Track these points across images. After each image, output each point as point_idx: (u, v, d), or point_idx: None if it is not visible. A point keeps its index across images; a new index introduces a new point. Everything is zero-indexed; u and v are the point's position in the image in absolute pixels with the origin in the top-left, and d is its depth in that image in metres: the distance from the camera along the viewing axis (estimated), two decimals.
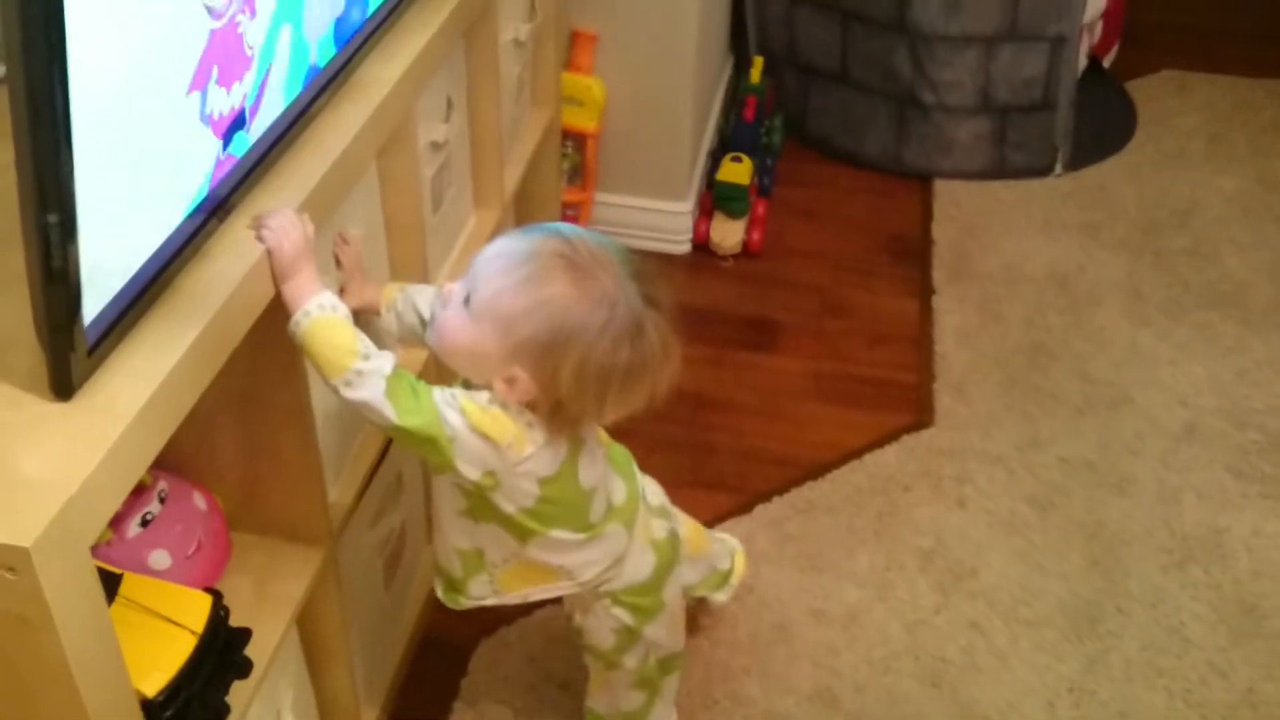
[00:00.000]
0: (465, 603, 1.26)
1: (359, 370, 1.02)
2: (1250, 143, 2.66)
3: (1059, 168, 2.58)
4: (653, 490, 1.36)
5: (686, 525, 1.46)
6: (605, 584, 1.26)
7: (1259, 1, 3.20)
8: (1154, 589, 1.72)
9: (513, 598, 1.26)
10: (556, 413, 1.10)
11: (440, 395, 1.07)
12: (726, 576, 1.61)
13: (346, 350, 1.02)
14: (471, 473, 1.10)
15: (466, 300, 1.08)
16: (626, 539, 1.26)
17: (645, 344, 1.09)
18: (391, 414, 1.04)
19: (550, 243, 1.08)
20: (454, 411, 1.07)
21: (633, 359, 1.08)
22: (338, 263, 1.22)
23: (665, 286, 1.12)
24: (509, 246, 1.09)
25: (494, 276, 1.07)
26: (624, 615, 1.29)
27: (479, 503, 1.16)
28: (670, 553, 1.32)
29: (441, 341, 1.11)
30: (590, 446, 1.19)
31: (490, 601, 1.26)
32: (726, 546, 1.63)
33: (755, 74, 2.54)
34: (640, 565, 1.28)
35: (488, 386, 1.10)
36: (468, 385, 1.13)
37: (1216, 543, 1.79)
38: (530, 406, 1.10)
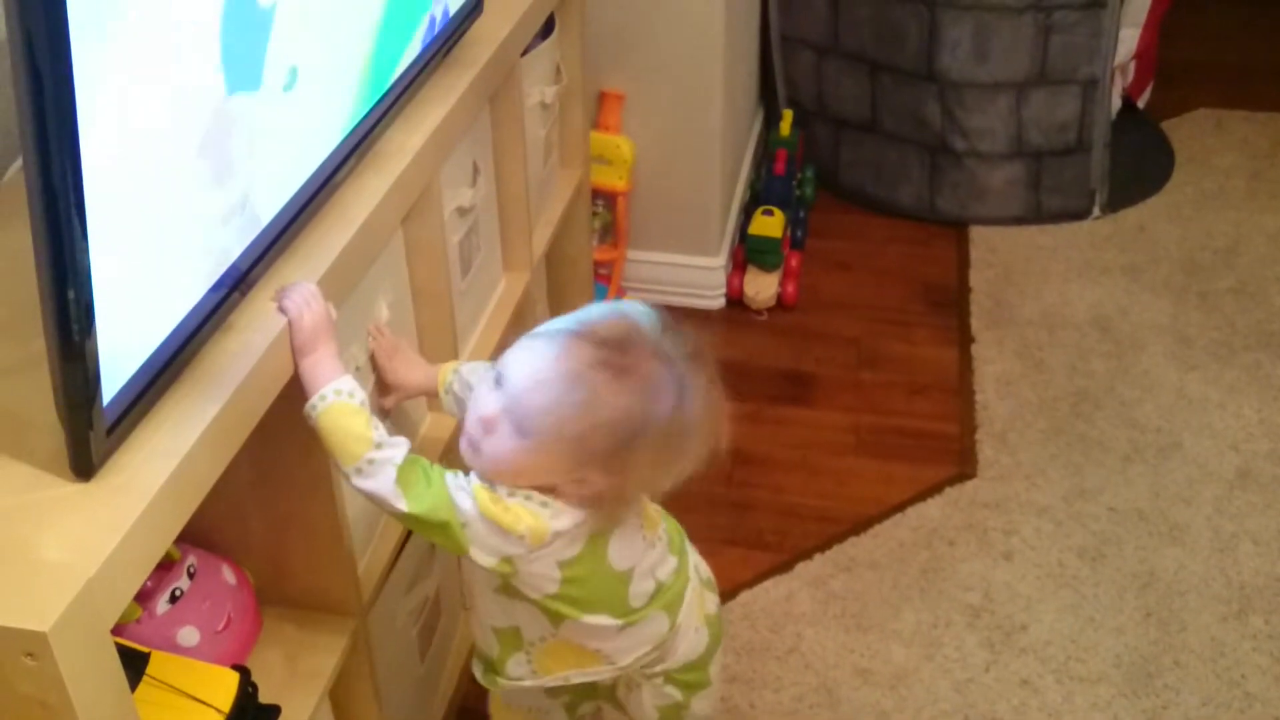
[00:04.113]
0: (503, 683, 1.23)
1: (371, 459, 1.01)
2: None
3: (1096, 210, 2.55)
4: (703, 563, 1.32)
5: None
6: (650, 666, 1.22)
7: None
8: (1212, 641, 1.66)
9: (551, 680, 1.21)
10: (615, 498, 1.08)
11: (453, 480, 1.05)
12: None
13: (359, 438, 1.01)
14: (487, 560, 1.06)
15: (518, 429, 1.04)
16: (668, 625, 1.20)
17: (698, 401, 1.07)
18: (401, 503, 1.02)
19: (584, 353, 1.04)
20: (466, 496, 1.04)
21: (690, 422, 1.06)
22: (373, 361, 1.22)
23: (696, 337, 1.10)
24: (546, 370, 1.04)
25: (548, 407, 1.03)
26: (675, 693, 1.26)
27: (509, 582, 1.13)
28: (719, 627, 1.29)
29: (496, 467, 1.06)
30: (626, 527, 1.14)
31: (529, 683, 1.22)
32: None
33: (785, 127, 2.54)
34: (695, 643, 1.24)
35: (539, 489, 1.07)
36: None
37: (1276, 591, 1.73)
38: (590, 500, 1.07)
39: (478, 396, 1.08)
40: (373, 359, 1.24)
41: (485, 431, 1.05)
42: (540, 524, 1.06)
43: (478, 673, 1.25)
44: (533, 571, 1.09)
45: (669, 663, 1.23)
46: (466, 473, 1.08)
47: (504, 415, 1.04)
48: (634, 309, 1.10)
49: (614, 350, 1.04)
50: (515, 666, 1.21)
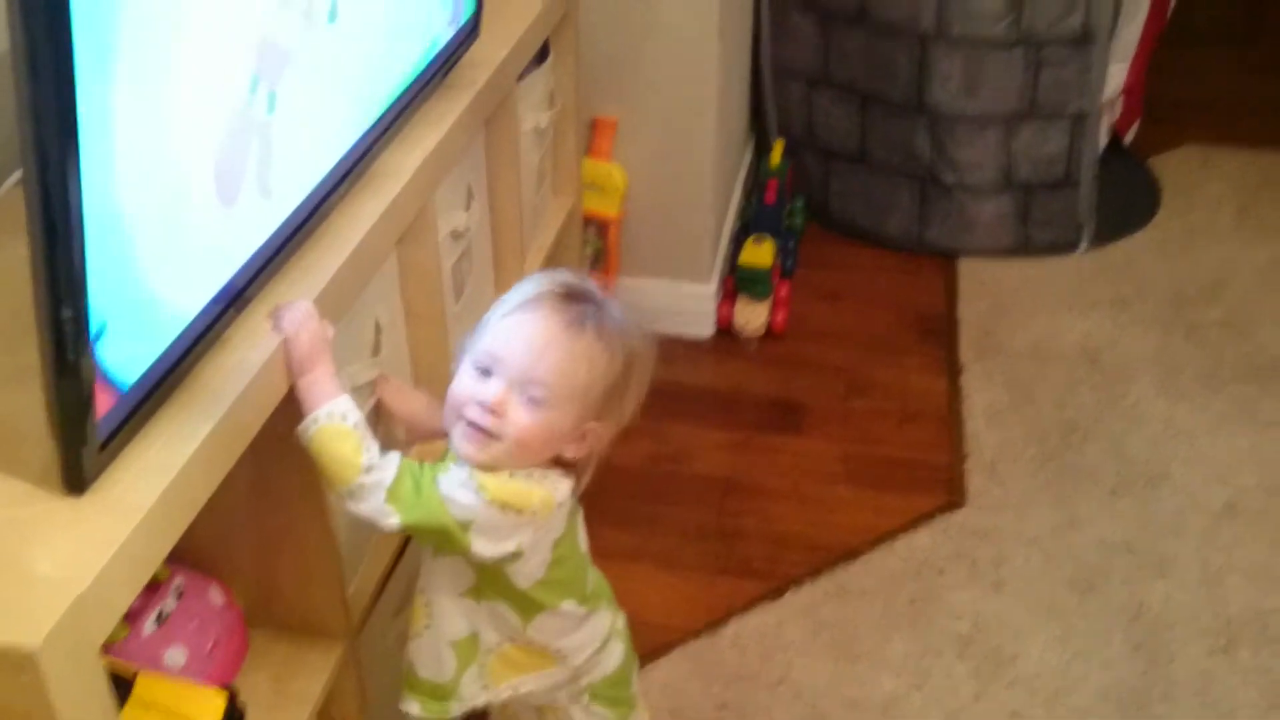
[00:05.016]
0: (455, 708, 1.21)
1: (361, 484, 1.01)
2: None
3: (1084, 244, 2.57)
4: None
5: None
6: (587, 674, 1.24)
7: (1279, 75, 3.21)
8: (1201, 674, 1.66)
9: (503, 690, 1.21)
10: (598, 450, 1.12)
11: (447, 480, 1.05)
12: None
13: (349, 464, 1.01)
14: (497, 550, 1.07)
15: (531, 400, 1.06)
16: (610, 619, 1.25)
17: (643, 327, 1.14)
18: (394, 519, 1.03)
19: (565, 308, 1.08)
20: (469, 492, 1.05)
21: (648, 348, 1.13)
22: (378, 405, 1.24)
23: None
24: (543, 332, 1.06)
25: (559, 365, 1.06)
26: (604, 711, 1.27)
27: (488, 579, 1.13)
28: (631, 643, 1.30)
29: (521, 444, 1.07)
30: (578, 511, 1.19)
31: (481, 700, 1.21)
32: None
33: (776, 157, 2.55)
34: (612, 654, 1.26)
35: (537, 464, 1.09)
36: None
37: (1264, 625, 1.73)
38: (584, 458, 1.12)
39: (467, 392, 1.07)
40: (378, 401, 1.24)
41: (498, 417, 1.06)
42: (547, 494, 1.09)
43: (418, 709, 1.21)
44: (534, 555, 1.11)
45: (594, 674, 1.24)
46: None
47: (513, 392, 1.06)
48: (548, 272, 1.14)
49: (584, 299, 1.09)
50: (468, 684, 1.20)
